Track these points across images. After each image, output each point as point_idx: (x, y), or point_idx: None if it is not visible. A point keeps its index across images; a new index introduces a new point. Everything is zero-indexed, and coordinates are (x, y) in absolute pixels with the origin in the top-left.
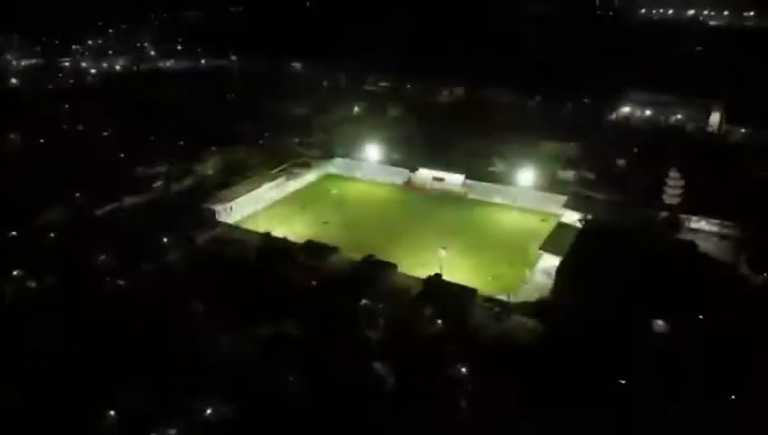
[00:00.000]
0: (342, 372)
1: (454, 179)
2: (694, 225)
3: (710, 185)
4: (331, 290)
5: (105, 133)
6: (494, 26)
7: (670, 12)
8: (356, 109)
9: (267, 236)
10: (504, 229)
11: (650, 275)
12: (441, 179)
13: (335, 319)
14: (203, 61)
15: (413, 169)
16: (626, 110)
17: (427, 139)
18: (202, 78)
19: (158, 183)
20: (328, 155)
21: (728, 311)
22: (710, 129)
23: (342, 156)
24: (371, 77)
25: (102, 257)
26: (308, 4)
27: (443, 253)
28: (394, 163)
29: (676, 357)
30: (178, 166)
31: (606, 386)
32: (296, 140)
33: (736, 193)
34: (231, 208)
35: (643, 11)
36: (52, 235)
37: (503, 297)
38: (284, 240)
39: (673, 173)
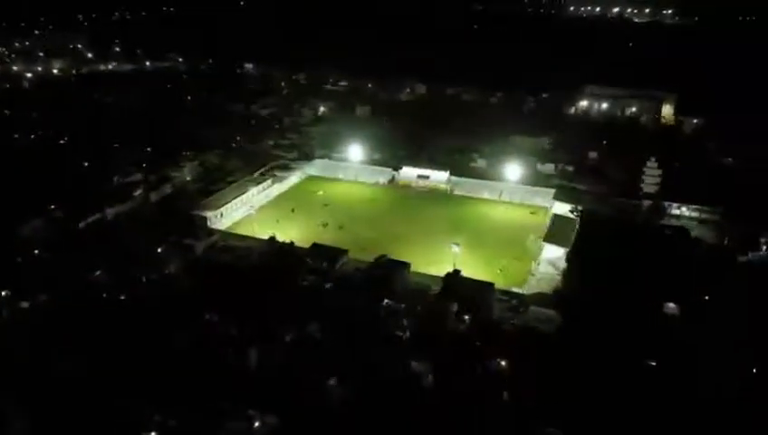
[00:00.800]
0: (381, 374)
1: (438, 176)
2: (675, 211)
3: (679, 172)
4: (349, 292)
5: (62, 141)
6: (441, 26)
7: (597, 9)
8: (322, 109)
9: (272, 241)
10: (498, 223)
11: (655, 260)
12: (426, 177)
13: (360, 321)
14: (147, 63)
15: (397, 168)
16: (584, 103)
17: (402, 137)
18: (152, 80)
19: (139, 191)
20: (306, 156)
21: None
22: (663, 120)
23: (321, 157)
24: (331, 77)
25: (99, 272)
26: (241, 3)
27: (456, 249)
28: (374, 162)
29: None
30: (155, 173)
31: (632, 369)
32: (270, 142)
33: (704, 179)
34: (221, 215)
35: (572, 8)
36: (36, 251)
37: (517, 290)
38: (291, 244)
39: (650, 163)
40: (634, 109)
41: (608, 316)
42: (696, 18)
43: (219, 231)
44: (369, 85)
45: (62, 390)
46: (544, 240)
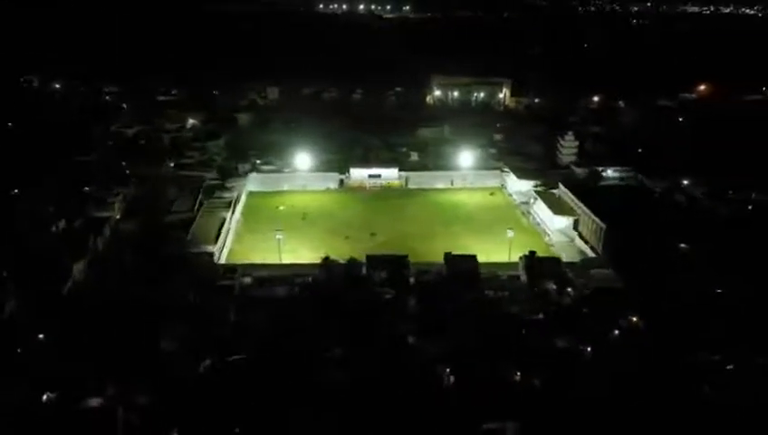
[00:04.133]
0: (549, 360)
1: (389, 173)
2: (604, 174)
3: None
4: (445, 293)
5: None
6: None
7: (344, 7)
8: (192, 121)
9: (327, 261)
10: (473, 207)
11: (656, 212)
12: (378, 175)
13: (488, 316)
14: None
15: (344, 171)
16: (438, 93)
17: (315, 140)
18: None
19: (91, 240)
20: (230, 173)
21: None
22: (506, 102)
23: (249, 171)
24: (161, 87)
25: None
26: None
27: (511, 234)
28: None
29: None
30: (77, 215)
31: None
32: (171, 163)
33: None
34: (222, 247)
35: (321, 6)
36: (41, 336)
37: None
38: (356, 261)
39: (568, 136)
40: (482, 94)
41: (651, 264)
42: (429, 14)
43: (239, 265)
44: (215, 92)
45: None
46: (554, 213)
